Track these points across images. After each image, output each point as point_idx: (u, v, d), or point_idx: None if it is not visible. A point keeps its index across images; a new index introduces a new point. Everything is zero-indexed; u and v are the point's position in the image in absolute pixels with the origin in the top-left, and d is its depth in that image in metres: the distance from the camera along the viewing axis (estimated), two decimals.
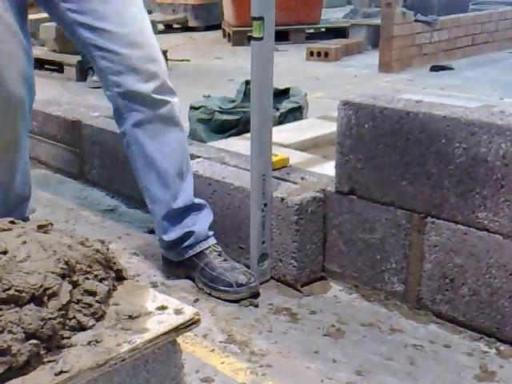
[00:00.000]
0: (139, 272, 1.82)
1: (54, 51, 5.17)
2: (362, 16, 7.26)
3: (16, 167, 1.74)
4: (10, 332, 0.84)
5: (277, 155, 1.92)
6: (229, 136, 2.69)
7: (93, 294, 0.95)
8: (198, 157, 2.05)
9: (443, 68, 5.35)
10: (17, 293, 0.86)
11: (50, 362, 0.86)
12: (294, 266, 1.71)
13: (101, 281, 0.99)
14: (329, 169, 1.84)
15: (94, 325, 0.94)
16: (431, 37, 5.64)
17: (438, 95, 3.88)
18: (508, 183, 1.38)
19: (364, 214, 1.65)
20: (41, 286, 0.88)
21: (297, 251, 1.70)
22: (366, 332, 1.53)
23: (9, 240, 0.94)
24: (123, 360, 0.89)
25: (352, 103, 1.61)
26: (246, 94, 3.09)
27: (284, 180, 1.82)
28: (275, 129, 2.67)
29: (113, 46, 1.61)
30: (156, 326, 0.95)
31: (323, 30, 7.36)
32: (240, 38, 6.90)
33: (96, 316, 0.95)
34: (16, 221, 1.04)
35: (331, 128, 2.33)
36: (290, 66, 5.55)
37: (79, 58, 4.69)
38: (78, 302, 0.93)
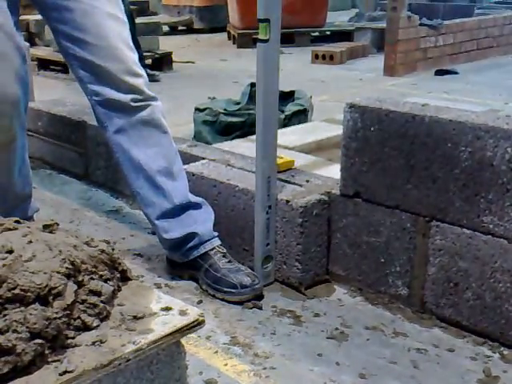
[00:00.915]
0: (143, 273, 1.82)
1: (58, 51, 5.17)
2: (367, 19, 7.27)
3: (13, 167, 1.74)
4: (14, 331, 0.83)
5: (282, 158, 1.92)
6: (234, 138, 2.69)
7: (98, 294, 0.95)
8: (203, 158, 2.06)
9: (448, 72, 5.34)
10: (22, 292, 0.86)
11: (54, 361, 0.86)
12: (298, 269, 1.71)
13: (106, 281, 0.98)
14: (334, 171, 1.84)
15: (98, 325, 0.93)
16: (436, 41, 5.64)
17: (442, 99, 3.88)
18: None
19: (369, 217, 1.65)
20: (46, 286, 0.88)
21: (301, 254, 1.70)
22: (370, 335, 1.53)
23: (14, 239, 0.94)
24: (127, 360, 0.89)
25: (358, 106, 1.61)
26: (251, 97, 3.10)
27: (289, 182, 1.82)
28: (280, 131, 2.67)
29: (92, 58, 1.63)
30: (160, 326, 0.95)
31: (328, 33, 7.37)
32: (245, 41, 6.91)
33: (101, 316, 0.95)
34: (21, 220, 1.05)
35: (336, 131, 2.33)
36: (295, 68, 5.55)
37: None
38: (83, 302, 0.93)
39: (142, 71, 1.70)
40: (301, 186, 1.79)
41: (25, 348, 0.83)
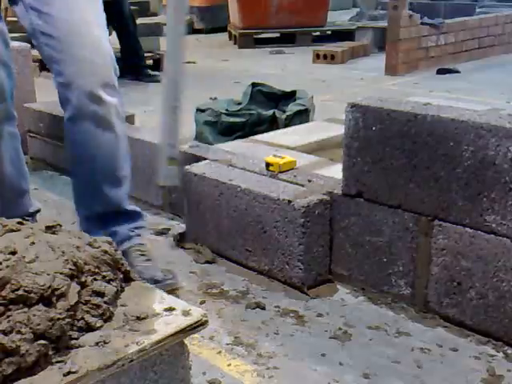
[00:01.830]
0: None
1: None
2: (368, 19, 7.27)
3: (3, 154, 1.71)
4: (18, 332, 0.84)
5: (284, 158, 1.92)
6: (235, 138, 2.69)
7: (101, 294, 0.95)
8: (205, 159, 2.06)
9: (449, 71, 5.34)
10: (25, 293, 0.86)
11: (58, 362, 0.86)
12: (301, 269, 1.71)
13: (109, 282, 0.99)
14: (336, 171, 1.84)
15: (101, 326, 0.94)
16: (437, 40, 5.63)
17: (444, 98, 3.87)
18: None
19: (371, 216, 1.65)
20: (49, 287, 0.88)
21: (303, 254, 1.70)
22: (373, 335, 1.53)
23: (17, 241, 0.94)
24: (131, 361, 0.89)
25: (360, 106, 1.61)
26: (253, 97, 3.10)
27: (291, 182, 1.82)
28: (282, 131, 2.68)
29: (56, 33, 1.56)
30: (164, 327, 0.95)
31: (329, 32, 7.36)
32: (246, 41, 6.90)
33: (104, 317, 0.95)
34: (25, 222, 1.05)
35: (338, 131, 2.33)
36: (296, 68, 5.55)
37: None
38: (86, 302, 0.93)
39: (109, 51, 1.61)
40: (303, 185, 1.79)
41: (29, 349, 0.83)
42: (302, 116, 3.00)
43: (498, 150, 1.39)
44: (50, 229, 1.03)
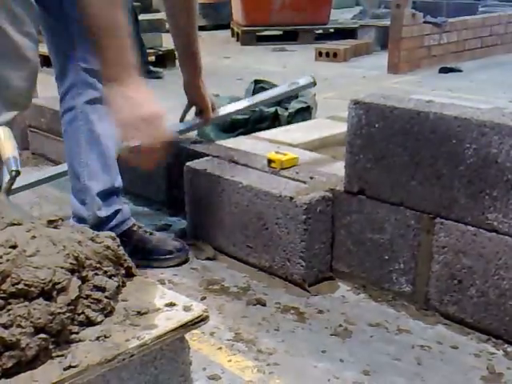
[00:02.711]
0: (146, 269, 1.82)
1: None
2: (371, 17, 7.26)
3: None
4: (18, 326, 0.83)
5: (286, 154, 1.92)
6: (238, 135, 2.68)
7: (102, 289, 0.95)
8: (207, 155, 2.05)
9: (452, 70, 5.33)
10: (26, 287, 0.86)
11: (58, 356, 0.86)
12: (302, 266, 1.71)
13: (110, 277, 0.98)
14: (338, 168, 1.84)
15: (102, 320, 0.93)
16: (440, 38, 5.63)
17: (446, 97, 3.87)
18: None
19: (373, 214, 1.65)
20: (50, 281, 0.88)
21: (305, 251, 1.70)
22: (374, 332, 1.53)
23: (18, 234, 0.94)
24: (132, 356, 0.89)
25: (363, 103, 1.60)
26: (255, 94, 3.09)
27: (293, 179, 1.82)
28: (284, 128, 2.68)
29: None
30: (164, 322, 0.95)
31: (332, 30, 7.36)
32: (249, 38, 6.90)
33: (105, 312, 0.94)
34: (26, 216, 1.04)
35: (340, 128, 2.32)
36: (299, 66, 5.55)
37: None
38: (87, 297, 0.93)
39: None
40: (305, 182, 1.79)
41: (29, 343, 0.83)
42: (305, 113, 2.99)
43: (500, 148, 1.38)
44: (52, 223, 1.03)
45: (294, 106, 2.95)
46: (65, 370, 0.84)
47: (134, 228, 1.85)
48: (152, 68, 4.98)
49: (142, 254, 1.82)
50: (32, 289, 0.86)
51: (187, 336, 0.99)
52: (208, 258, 1.90)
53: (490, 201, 1.42)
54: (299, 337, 1.51)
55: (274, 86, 3.18)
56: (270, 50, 6.66)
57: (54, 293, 0.88)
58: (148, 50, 5.07)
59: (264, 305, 1.64)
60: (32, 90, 1.66)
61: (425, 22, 5.41)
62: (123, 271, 1.03)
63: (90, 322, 0.92)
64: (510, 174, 1.38)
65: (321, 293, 1.71)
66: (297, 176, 1.83)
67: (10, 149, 1.21)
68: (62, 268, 0.90)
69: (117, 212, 1.82)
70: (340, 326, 1.55)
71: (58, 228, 1.02)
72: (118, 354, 0.87)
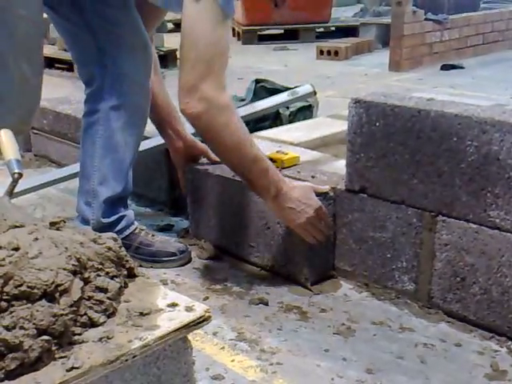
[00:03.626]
0: (148, 270, 1.82)
1: (64, 50, 5.19)
2: (372, 15, 7.25)
3: None
4: (21, 328, 0.84)
5: (287, 153, 1.92)
6: None
7: (104, 290, 0.95)
8: None
9: (453, 67, 5.32)
10: (29, 289, 0.86)
11: (61, 358, 0.86)
12: (304, 265, 1.71)
13: (112, 278, 0.99)
14: (339, 167, 1.84)
15: (105, 321, 0.94)
16: (442, 35, 5.62)
17: (448, 94, 3.87)
18: None
19: (375, 212, 1.65)
20: (52, 283, 0.88)
21: (307, 249, 1.70)
22: (377, 330, 1.53)
23: (21, 237, 0.94)
24: (134, 356, 0.89)
25: (363, 101, 1.60)
26: (256, 93, 3.10)
27: (294, 178, 1.81)
28: (285, 127, 2.68)
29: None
30: (167, 322, 0.95)
31: (333, 28, 7.36)
32: (250, 37, 6.90)
33: (107, 313, 0.95)
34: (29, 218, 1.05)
35: (341, 127, 2.33)
36: (300, 64, 5.54)
37: None
38: (90, 298, 0.93)
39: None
40: (306, 181, 1.79)
41: (32, 344, 0.83)
42: (306, 112, 2.99)
43: (501, 145, 1.38)
44: (54, 225, 1.03)
45: (296, 104, 2.95)
46: (68, 371, 0.84)
47: (137, 231, 1.86)
48: None
49: (145, 256, 1.83)
50: (35, 291, 0.86)
51: (190, 336, 0.99)
52: (210, 258, 1.90)
53: (491, 198, 1.42)
54: (302, 336, 1.51)
55: (275, 85, 3.19)
56: (271, 48, 6.66)
57: (57, 294, 0.88)
58: None
59: (266, 304, 1.64)
60: (33, 116, 1.68)
61: (426, 20, 5.40)
62: (125, 272, 1.04)
63: (92, 324, 0.92)
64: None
65: (323, 292, 1.71)
66: (298, 175, 1.83)
67: (12, 151, 1.21)
68: (64, 270, 0.90)
69: (121, 218, 1.83)
70: (343, 324, 1.55)
71: (61, 230, 1.03)
72: (120, 355, 0.87)
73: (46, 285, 0.87)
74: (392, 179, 1.59)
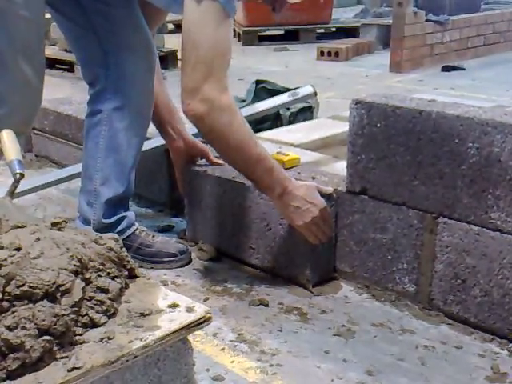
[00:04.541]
0: (149, 270, 1.82)
1: (65, 50, 5.20)
2: (373, 16, 7.25)
3: None
4: (23, 328, 0.84)
5: (288, 155, 1.91)
6: None
7: (105, 291, 0.96)
8: None
9: (454, 68, 5.33)
10: (30, 289, 0.86)
11: (62, 358, 0.86)
12: (305, 266, 1.71)
13: (113, 278, 0.99)
14: (340, 168, 1.84)
15: (106, 322, 0.94)
16: (442, 37, 5.62)
17: (449, 95, 3.87)
18: None
19: (375, 213, 1.65)
20: (54, 283, 0.88)
21: (308, 251, 1.70)
22: (377, 332, 1.53)
23: (22, 237, 0.94)
24: (135, 357, 0.89)
25: (364, 102, 1.60)
26: (256, 94, 3.10)
27: (295, 180, 1.81)
28: (286, 128, 2.68)
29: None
30: (167, 323, 0.95)
31: (334, 29, 7.36)
32: (250, 38, 6.91)
33: (108, 313, 0.95)
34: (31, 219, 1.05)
35: (342, 128, 2.33)
36: (301, 65, 5.55)
37: None
38: (91, 299, 0.94)
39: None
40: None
41: (33, 345, 0.83)
42: (306, 113, 2.99)
43: (503, 147, 1.38)
44: (56, 225, 1.03)
45: (296, 105, 2.95)
46: (69, 371, 0.84)
47: (137, 232, 1.86)
48: None
49: (146, 257, 1.83)
50: (36, 291, 0.86)
51: (190, 337, 0.99)
52: (211, 259, 1.90)
53: (493, 200, 1.42)
54: (302, 337, 1.51)
55: (275, 86, 3.19)
56: (271, 49, 6.66)
57: (58, 295, 0.88)
58: None
59: (267, 305, 1.64)
60: (34, 117, 1.68)
61: (427, 21, 5.40)
62: (126, 273, 1.04)
63: (93, 324, 0.92)
64: None
65: (324, 293, 1.71)
66: (299, 176, 1.83)
67: (14, 152, 1.21)
68: (65, 270, 0.91)
69: (122, 219, 1.83)
70: (343, 326, 1.55)
71: (62, 230, 1.03)
72: (121, 356, 0.87)
73: (48, 285, 0.87)
74: (393, 181, 1.59)
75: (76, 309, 0.90)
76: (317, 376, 1.36)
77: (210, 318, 0.99)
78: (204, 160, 1.98)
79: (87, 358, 0.86)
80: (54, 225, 1.02)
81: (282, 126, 2.83)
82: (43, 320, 0.85)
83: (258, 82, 3.18)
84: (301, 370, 1.38)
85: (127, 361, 0.88)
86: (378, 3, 8.26)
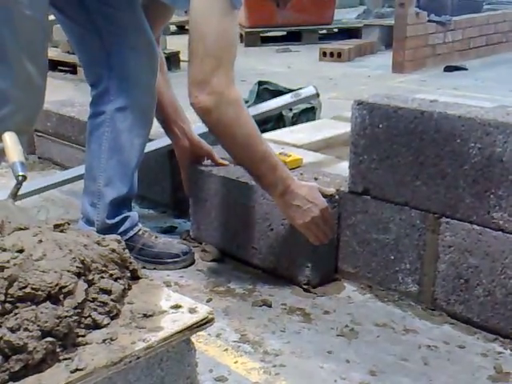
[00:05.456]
0: (152, 271, 1.82)
1: (68, 52, 5.21)
2: (375, 16, 7.25)
3: None
4: (26, 330, 0.84)
5: (290, 155, 1.92)
6: None
7: (108, 292, 0.96)
8: None
9: (457, 68, 5.32)
10: (33, 291, 0.86)
11: (65, 359, 0.87)
12: (308, 267, 1.71)
13: (116, 280, 0.99)
14: (342, 169, 1.84)
15: (108, 323, 0.94)
16: (445, 37, 5.62)
17: (451, 96, 3.86)
18: None
19: (378, 214, 1.65)
20: (57, 285, 0.88)
21: (310, 251, 1.70)
22: (380, 332, 1.53)
23: (25, 239, 0.94)
24: (138, 358, 0.89)
25: (366, 103, 1.61)
26: (259, 95, 3.10)
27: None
28: (288, 129, 2.68)
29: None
30: (170, 324, 0.95)
31: (336, 30, 7.36)
32: (252, 39, 6.91)
33: (111, 314, 0.95)
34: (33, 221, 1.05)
35: (344, 128, 2.32)
36: (303, 66, 5.55)
37: None
38: (94, 300, 0.94)
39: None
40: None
41: (36, 346, 0.84)
42: (309, 114, 2.99)
43: (505, 147, 1.38)
44: (58, 227, 1.03)
45: (299, 106, 2.95)
46: (72, 372, 0.84)
47: (140, 233, 1.87)
48: None
49: (148, 258, 1.83)
50: (39, 292, 0.87)
51: (193, 338, 0.99)
52: (213, 260, 1.90)
53: (495, 200, 1.42)
54: (305, 338, 1.51)
55: (278, 86, 3.19)
56: (273, 50, 6.66)
57: (61, 296, 0.88)
58: None
59: (270, 306, 1.64)
60: (37, 117, 1.68)
61: (429, 21, 5.40)
62: (129, 274, 1.04)
63: (96, 325, 0.93)
64: None
65: (327, 293, 1.71)
66: (301, 177, 1.83)
67: (17, 153, 1.21)
68: (68, 272, 0.91)
69: (125, 219, 1.84)
70: (346, 326, 1.55)
71: (65, 232, 1.03)
72: (124, 357, 0.88)
73: (51, 287, 0.87)
74: (395, 181, 1.59)
75: (79, 310, 0.90)
76: (320, 376, 1.36)
77: (212, 319, 0.99)
78: (209, 160, 1.99)
79: (90, 359, 0.86)
80: (56, 227, 1.02)
81: (284, 126, 2.83)
82: (46, 322, 0.85)
83: (260, 83, 3.18)
84: (304, 370, 1.38)
85: (130, 362, 0.89)
86: (380, 4, 8.26)
